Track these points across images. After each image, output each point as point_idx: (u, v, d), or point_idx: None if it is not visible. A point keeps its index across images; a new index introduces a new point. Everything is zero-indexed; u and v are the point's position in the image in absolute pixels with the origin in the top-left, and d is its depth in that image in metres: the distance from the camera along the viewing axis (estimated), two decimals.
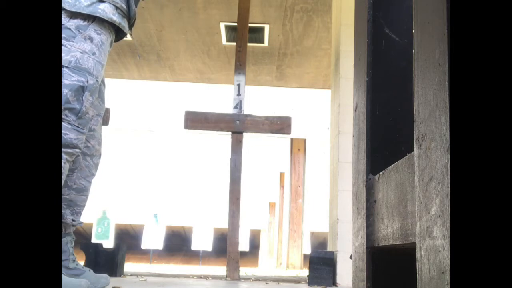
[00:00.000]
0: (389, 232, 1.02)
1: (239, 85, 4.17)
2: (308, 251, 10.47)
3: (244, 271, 5.65)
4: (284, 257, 10.41)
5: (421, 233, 0.77)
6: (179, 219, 14.14)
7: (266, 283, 3.67)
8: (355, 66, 1.37)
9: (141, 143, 11.30)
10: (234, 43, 4.63)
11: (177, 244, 15.82)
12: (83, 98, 1.90)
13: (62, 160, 1.89)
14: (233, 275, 3.91)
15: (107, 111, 4.13)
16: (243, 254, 9.76)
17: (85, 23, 1.95)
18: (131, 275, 3.83)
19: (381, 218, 1.08)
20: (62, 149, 1.88)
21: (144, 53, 6.61)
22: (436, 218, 0.71)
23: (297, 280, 4.12)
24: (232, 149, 4.10)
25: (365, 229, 1.17)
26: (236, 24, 4.46)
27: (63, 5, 1.92)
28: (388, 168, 1.06)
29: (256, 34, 5.82)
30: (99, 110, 2.29)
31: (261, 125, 4.11)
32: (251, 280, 4.01)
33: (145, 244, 12.85)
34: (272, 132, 4.17)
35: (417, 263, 0.79)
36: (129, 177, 12.85)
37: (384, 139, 1.22)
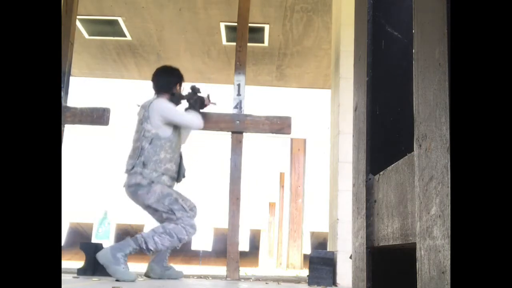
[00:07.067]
0: (389, 232, 1.03)
1: (239, 85, 4.17)
2: (308, 251, 10.46)
3: (244, 271, 5.65)
4: (284, 257, 10.40)
5: (421, 233, 0.77)
6: None
7: (266, 283, 3.67)
8: (355, 66, 1.37)
9: None
10: (234, 43, 4.62)
11: None
12: (180, 201, 3.50)
13: (188, 236, 3.47)
14: (233, 275, 3.91)
15: (107, 111, 4.13)
16: (243, 254, 9.74)
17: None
18: None
19: (381, 218, 1.08)
20: (192, 231, 3.50)
21: (144, 53, 6.60)
22: (436, 218, 0.71)
23: (297, 280, 4.12)
24: (232, 149, 4.10)
25: (365, 229, 1.17)
26: (236, 24, 4.46)
27: (142, 172, 3.45)
28: (388, 168, 1.06)
29: (256, 34, 5.82)
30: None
31: (261, 125, 4.11)
32: (251, 280, 4.01)
33: None
34: (272, 132, 4.16)
35: (417, 263, 0.79)
36: None
37: (384, 139, 1.22)
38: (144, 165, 3.44)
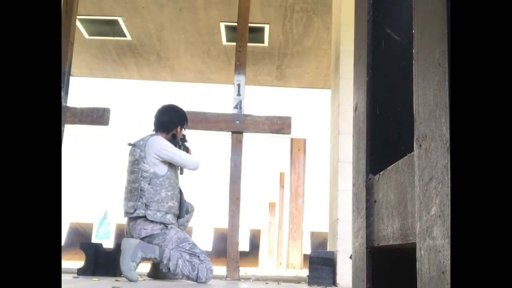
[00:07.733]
0: (389, 232, 1.03)
1: (239, 85, 4.17)
2: (308, 251, 10.47)
3: (244, 271, 5.66)
4: (284, 257, 10.41)
5: (421, 233, 0.77)
6: None
7: (266, 283, 3.67)
8: (355, 66, 1.37)
9: None
10: (234, 43, 4.63)
11: None
12: (198, 245, 3.46)
13: (206, 279, 3.30)
14: (233, 275, 3.91)
15: (107, 111, 4.14)
16: (243, 254, 9.75)
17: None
18: None
19: (381, 218, 1.08)
20: (211, 276, 3.34)
21: (144, 53, 6.61)
22: (436, 218, 0.71)
23: (297, 280, 4.13)
24: (232, 149, 4.10)
25: (365, 229, 1.17)
26: (236, 24, 4.46)
27: (146, 215, 3.36)
28: (388, 168, 1.06)
29: (256, 34, 5.82)
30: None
31: (261, 125, 4.11)
32: (251, 280, 4.01)
33: None
34: (272, 132, 4.17)
35: (417, 263, 0.79)
36: None
37: (384, 139, 1.22)
38: (146, 206, 3.37)
